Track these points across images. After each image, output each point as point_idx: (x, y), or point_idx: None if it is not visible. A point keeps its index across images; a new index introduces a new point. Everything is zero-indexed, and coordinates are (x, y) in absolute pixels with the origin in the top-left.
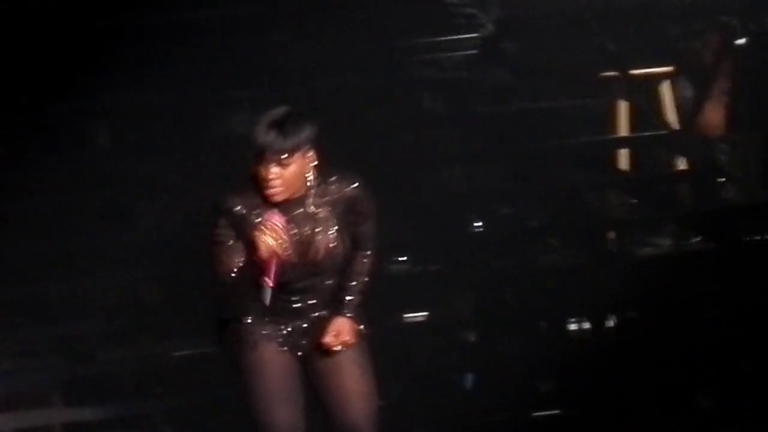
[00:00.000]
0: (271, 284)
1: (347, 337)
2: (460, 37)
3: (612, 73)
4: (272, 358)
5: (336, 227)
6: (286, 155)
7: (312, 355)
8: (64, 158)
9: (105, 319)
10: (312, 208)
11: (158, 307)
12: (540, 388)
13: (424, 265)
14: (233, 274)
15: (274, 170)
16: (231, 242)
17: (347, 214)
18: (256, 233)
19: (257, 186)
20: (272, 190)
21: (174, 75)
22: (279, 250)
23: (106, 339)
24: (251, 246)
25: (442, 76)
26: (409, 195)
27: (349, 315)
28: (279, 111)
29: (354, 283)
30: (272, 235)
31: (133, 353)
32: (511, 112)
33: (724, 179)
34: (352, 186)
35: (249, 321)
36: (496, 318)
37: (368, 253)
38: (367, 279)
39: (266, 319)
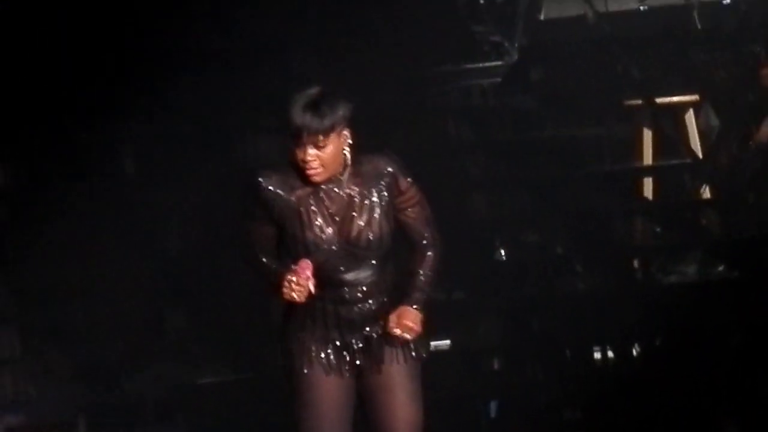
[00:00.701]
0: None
1: (413, 325)
2: (485, 64)
3: (637, 101)
4: (327, 378)
5: (376, 207)
6: (323, 136)
7: (364, 373)
8: (88, 185)
9: (129, 345)
10: (348, 189)
11: (182, 334)
12: (564, 416)
13: (449, 292)
14: (256, 254)
15: (312, 151)
16: (257, 221)
17: (389, 193)
18: (284, 289)
19: (295, 167)
20: (312, 171)
21: (197, 102)
22: (298, 300)
23: (130, 365)
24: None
25: (468, 103)
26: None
27: (415, 306)
28: (312, 91)
29: (420, 278)
30: (298, 291)
31: (157, 379)
32: (536, 140)
33: (749, 207)
34: (387, 161)
35: (302, 336)
36: (520, 345)
37: (426, 243)
38: (431, 273)
39: (319, 333)
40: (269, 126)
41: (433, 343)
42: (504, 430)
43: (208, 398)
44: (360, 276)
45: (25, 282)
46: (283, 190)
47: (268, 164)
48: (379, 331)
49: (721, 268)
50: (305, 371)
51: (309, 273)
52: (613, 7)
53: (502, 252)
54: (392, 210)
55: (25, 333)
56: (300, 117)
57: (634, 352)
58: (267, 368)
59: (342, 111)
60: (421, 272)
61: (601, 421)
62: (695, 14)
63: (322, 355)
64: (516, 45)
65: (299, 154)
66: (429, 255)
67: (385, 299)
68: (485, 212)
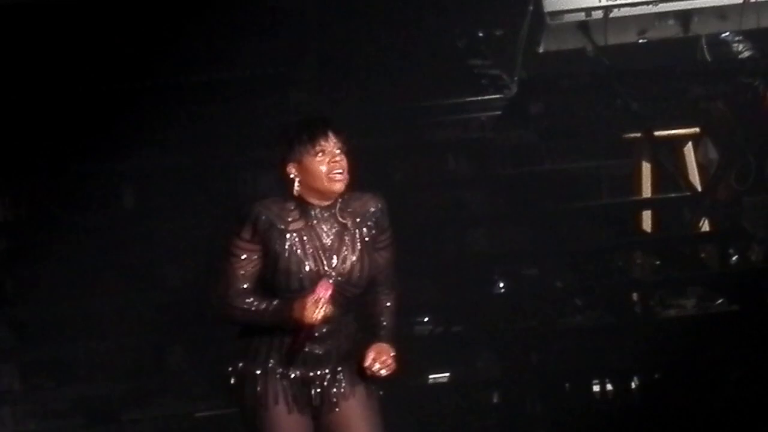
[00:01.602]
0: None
1: (389, 360)
2: (484, 98)
3: (636, 134)
4: (290, 415)
5: (364, 243)
6: (343, 141)
7: (322, 410)
8: (88, 219)
9: (128, 380)
10: (342, 219)
11: (181, 368)
12: None
13: (448, 325)
14: (231, 294)
15: (339, 152)
16: (247, 258)
17: (375, 230)
18: (310, 306)
19: (313, 185)
20: (340, 174)
21: (197, 136)
22: (321, 323)
23: (130, 399)
24: (297, 309)
25: (466, 136)
26: (433, 255)
27: (387, 340)
28: (311, 116)
29: (388, 319)
30: (326, 309)
31: (157, 413)
32: (535, 173)
33: (748, 241)
34: (375, 199)
35: (263, 372)
36: (519, 379)
37: (391, 292)
38: (394, 319)
39: (279, 369)
40: (268, 159)
41: (431, 377)
42: None
43: (206, 431)
44: (334, 313)
45: (24, 316)
46: (278, 222)
47: (263, 196)
48: (340, 369)
49: (720, 302)
50: (269, 409)
51: (330, 294)
52: (613, 41)
53: (501, 285)
54: (372, 251)
55: (24, 368)
56: (320, 126)
57: (634, 386)
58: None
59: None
60: (387, 315)
61: None
62: (695, 47)
63: (286, 393)
64: (515, 78)
65: (326, 159)
66: (393, 300)
67: (347, 338)
68: (484, 245)
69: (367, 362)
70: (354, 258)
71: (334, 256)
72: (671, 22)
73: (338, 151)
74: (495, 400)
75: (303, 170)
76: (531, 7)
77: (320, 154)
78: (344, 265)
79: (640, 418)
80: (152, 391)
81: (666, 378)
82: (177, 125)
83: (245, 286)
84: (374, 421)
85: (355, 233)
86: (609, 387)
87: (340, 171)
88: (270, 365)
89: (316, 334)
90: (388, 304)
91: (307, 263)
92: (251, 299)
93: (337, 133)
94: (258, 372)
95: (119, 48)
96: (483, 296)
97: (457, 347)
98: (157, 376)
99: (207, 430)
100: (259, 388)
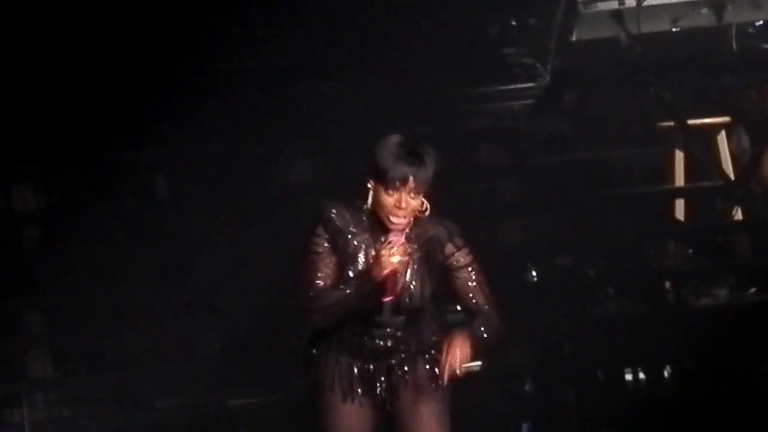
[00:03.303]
0: (389, 298)
1: (464, 349)
2: (517, 87)
3: (669, 123)
4: (348, 403)
5: (423, 266)
6: (424, 186)
7: (389, 399)
8: (120, 208)
9: (161, 368)
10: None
11: (213, 356)
12: None
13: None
14: (316, 290)
15: (409, 200)
16: (324, 253)
17: (433, 257)
18: (384, 252)
19: (377, 209)
20: (400, 219)
21: (228, 125)
22: (402, 268)
23: (163, 387)
24: (373, 264)
25: (499, 125)
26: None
27: (467, 336)
28: (410, 139)
29: (480, 322)
30: (400, 253)
31: (189, 401)
32: (568, 162)
33: None
34: (438, 227)
35: (326, 362)
36: (552, 368)
37: (480, 305)
38: (491, 330)
39: (347, 358)
40: (301, 149)
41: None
42: None
43: (239, 420)
44: (392, 321)
45: (56, 304)
46: (346, 229)
47: (336, 201)
48: (407, 361)
49: (753, 291)
50: (327, 395)
51: (401, 240)
52: (646, 29)
53: (534, 275)
54: (435, 274)
55: (57, 355)
56: (407, 165)
57: (666, 375)
58: (296, 390)
59: (435, 164)
60: (482, 322)
61: None
62: (728, 36)
63: (344, 381)
64: (548, 67)
65: (392, 200)
66: (490, 315)
67: (418, 338)
68: (517, 235)
69: (444, 356)
70: (407, 278)
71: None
72: (704, 10)
73: (411, 196)
74: (527, 388)
75: (376, 191)
76: None
77: (392, 190)
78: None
79: (672, 407)
80: (185, 378)
81: (698, 367)
82: (209, 114)
83: (326, 283)
84: (437, 408)
85: (415, 255)
86: (641, 376)
87: (402, 217)
88: (332, 353)
89: (375, 333)
90: (484, 320)
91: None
92: (332, 288)
93: (420, 177)
94: (320, 359)
95: (153, 36)
96: (516, 285)
97: None
98: (188, 364)
99: (239, 418)
100: (318, 375)
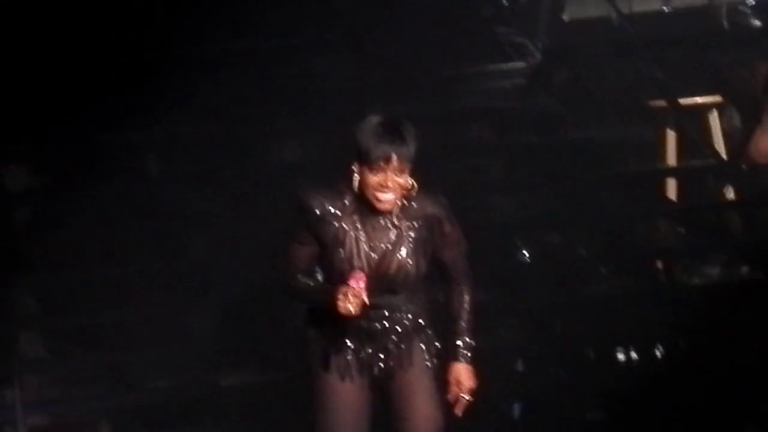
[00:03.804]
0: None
1: (469, 383)
2: (508, 65)
3: (660, 102)
4: (344, 384)
5: (416, 245)
6: (408, 163)
7: (383, 379)
8: (113, 187)
9: (154, 348)
10: (395, 220)
11: (207, 336)
12: (588, 417)
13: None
14: (290, 272)
15: (394, 178)
16: (305, 243)
17: (430, 234)
18: (339, 303)
19: (364, 190)
20: (386, 198)
21: (222, 105)
22: (357, 315)
23: (155, 367)
24: (332, 303)
25: (490, 104)
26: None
27: (465, 361)
28: (389, 118)
29: (462, 323)
30: (355, 304)
31: (182, 382)
32: (559, 141)
33: None
34: (436, 205)
35: (322, 343)
36: (543, 347)
37: (464, 287)
38: (470, 317)
39: (343, 340)
40: (294, 128)
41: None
42: (527, 431)
43: (233, 400)
44: (387, 300)
45: (48, 284)
46: (328, 214)
47: (317, 186)
48: (400, 341)
49: (744, 270)
50: (322, 376)
51: (363, 284)
52: (637, 8)
53: (525, 253)
54: (430, 250)
55: (49, 335)
56: (388, 144)
57: (658, 354)
58: (291, 370)
59: (418, 141)
60: (463, 318)
61: (624, 422)
62: (719, 15)
63: (340, 362)
64: (539, 46)
65: (377, 180)
66: (466, 298)
67: (408, 316)
68: (508, 214)
69: (452, 391)
70: (400, 257)
71: (382, 255)
72: None
73: (397, 174)
74: (518, 368)
75: (360, 173)
76: None
77: (376, 170)
78: (390, 265)
79: (664, 386)
80: (177, 358)
81: (690, 346)
82: (201, 94)
83: (303, 266)
84: (429, 387)
85: (408, 235)
86: (633, 355)
87: (389, 195)
88: (328, 334)
89: (372, 315)
90: (465, 302)
91: (352, 258)
92: (306, 279)
93: (402, 155)
94: (316, 340)
95: (144, 16)
96: (507, 264)
97: (480, 315)
98: (182, 344)
99: (232, 398)
100: (314, 355)
